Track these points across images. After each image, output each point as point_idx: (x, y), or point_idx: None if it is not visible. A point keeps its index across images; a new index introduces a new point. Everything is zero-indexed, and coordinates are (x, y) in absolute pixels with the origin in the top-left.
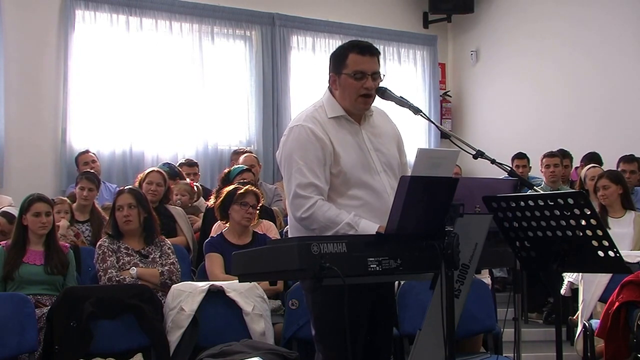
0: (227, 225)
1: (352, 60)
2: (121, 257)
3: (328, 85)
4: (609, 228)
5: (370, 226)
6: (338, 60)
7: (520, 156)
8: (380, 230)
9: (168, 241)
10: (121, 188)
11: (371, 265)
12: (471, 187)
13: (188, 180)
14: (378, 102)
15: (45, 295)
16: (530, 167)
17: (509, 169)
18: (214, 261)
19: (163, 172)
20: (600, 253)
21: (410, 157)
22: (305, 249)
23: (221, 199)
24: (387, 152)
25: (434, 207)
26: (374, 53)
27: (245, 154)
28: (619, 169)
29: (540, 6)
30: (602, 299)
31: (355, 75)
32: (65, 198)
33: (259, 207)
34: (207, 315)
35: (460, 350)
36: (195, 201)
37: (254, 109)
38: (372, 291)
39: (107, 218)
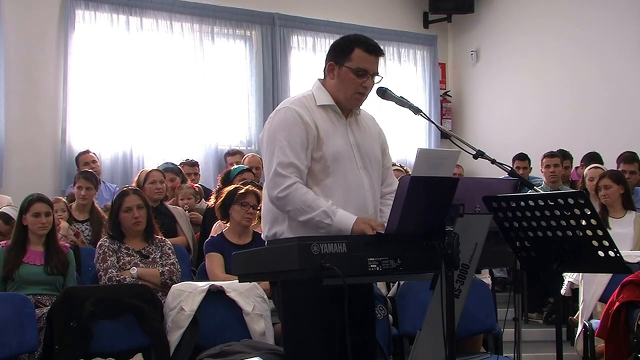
0: (228, 225)
1: (358, 56)
2: (122, 257)
3: (319, 77)
4: (610, 228)
5: (347, 217)
6: (342, 51)
7: (521, 157)
8: (356, 225)
9: (168, 241)
10: (124, 188)
11: (371, 265)
12: (471, 187)
13: (189, 182)
14: (379, 104)
15: (45, 295)
16: (531, 168)
17: (510, 169)
18: (214, 261)
19: (161, 170)
20: (601, 253)
21: (411, 157)
22: (306, 249)
23: (222, 199)
24: (370, 150)
25: (434, 207)
26: (379, 54)
27: (249, 155)
28: (619, 169)
29: (540, 6)
30: (603, 299)
31: (358, 72)
32: (61, 197)
33: (259, 207)
34: (207, 315)
35: (460, 350)
36: (198, 202)
37: (254, 109)
38: (351, 293)
39: (107, 218)
